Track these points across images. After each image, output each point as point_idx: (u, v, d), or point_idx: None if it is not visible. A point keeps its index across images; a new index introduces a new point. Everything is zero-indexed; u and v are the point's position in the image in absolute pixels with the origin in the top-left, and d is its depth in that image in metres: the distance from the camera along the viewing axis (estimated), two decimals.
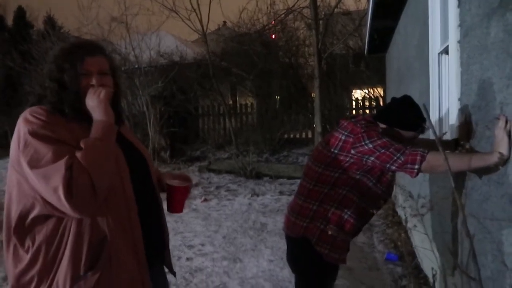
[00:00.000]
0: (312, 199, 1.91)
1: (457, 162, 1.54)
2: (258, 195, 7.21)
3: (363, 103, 10.95)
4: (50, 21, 16.46)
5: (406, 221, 4.61)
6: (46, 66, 1.38)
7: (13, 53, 10.60)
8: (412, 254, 3.94)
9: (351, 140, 1.80)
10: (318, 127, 8.23)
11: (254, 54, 11.04)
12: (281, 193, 7.34)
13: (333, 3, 9.85)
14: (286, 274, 3.62)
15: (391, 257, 3.90)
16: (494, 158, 1.44)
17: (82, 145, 1.22)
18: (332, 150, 1.86)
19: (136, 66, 9.79)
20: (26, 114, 1.28)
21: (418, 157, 1.62)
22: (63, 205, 1.14)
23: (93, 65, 1.35)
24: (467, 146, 1.70)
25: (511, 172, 1.45)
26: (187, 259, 4.12)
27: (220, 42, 12.60)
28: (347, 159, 1.82)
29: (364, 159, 1.77)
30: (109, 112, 1.32)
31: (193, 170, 9.58)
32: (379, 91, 11.50)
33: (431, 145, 2.04)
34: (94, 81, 1.34)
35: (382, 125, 1.95)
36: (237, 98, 14.88)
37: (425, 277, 3.35)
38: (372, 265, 3.78)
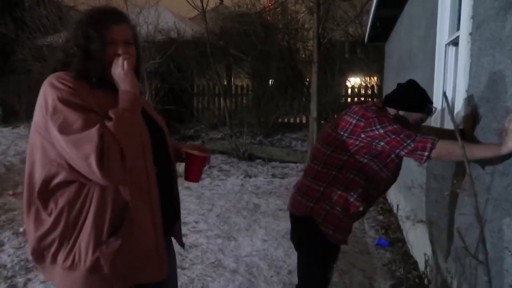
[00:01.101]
0: (320, 180, 1.95)
1: (469, 151, 1.58)
2: (250, 177, 7.27)
3: (359, 91, 10.99)
4: None
5: (398, 209, 4.71)
6: (71, 32, 1.35)
7: (6, 19, 10.31)
8: (402, 241, 4.05)
9: (362, 124, 1.83)
10: (313, 112, 8.24)
11: (253, 35, 10.93)
12: (273, 175, 7.41)
13: None
14: (280, 254, 3.69)
15: (382, 242, 4.00)
16: (505, 149, 1.48)
17: (112, 115, 1.22)
18: (342, 133, 1.89)
19: None
20: (52, 79, 1.26)
21: (429, 144, 1.66)
22: (94, 172, 1.15)
23: (119, 33, 1.34)
24: (482, 145, 1.73)
25: None
26: (182, 235, 4.16)
27: (219, 21, 12.43)
28: (357, 142, 1.85)
29: (374, 143, 1.80)
30: (135, 83, 1.32)
31: None
32: (375, 79, 11.55)
33: (438, 133, 2.09)
34: (120, 51, 1.33)
35: (391, 110, 1.99)
36: (232, 79, 14.79)
37: (415, 262, 3.45)
38: (363, 250, 3.88)
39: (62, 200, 1.25)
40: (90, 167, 1.15)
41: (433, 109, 2.02)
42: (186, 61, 10.92)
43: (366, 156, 1.88)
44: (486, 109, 1.89)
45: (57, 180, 1.25)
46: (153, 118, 1.53)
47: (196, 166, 1.63)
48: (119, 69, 1.30)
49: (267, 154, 8.80)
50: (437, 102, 2.97)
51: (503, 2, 1.74)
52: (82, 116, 1.18)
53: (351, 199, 1.92)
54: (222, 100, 10.89)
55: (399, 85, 2.09)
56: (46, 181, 1.25)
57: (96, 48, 1.30)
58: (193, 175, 1.64)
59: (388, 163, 1.91)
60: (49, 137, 1.22)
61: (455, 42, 2.70)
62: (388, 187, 2.08)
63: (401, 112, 1.97)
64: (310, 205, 1.95)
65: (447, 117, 2.79)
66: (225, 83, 13.37)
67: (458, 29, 2.55)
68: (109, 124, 1.19)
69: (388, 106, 2.02)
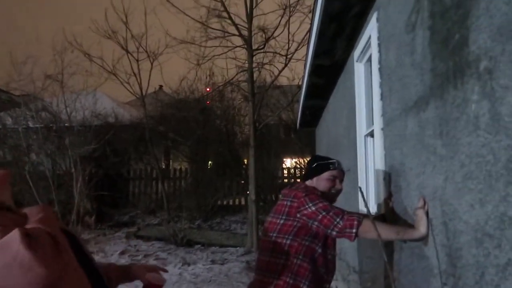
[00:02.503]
0: (270, 272, 1.98)
1: (386, 230, 1.75)
2: (189, 264, 6.97)
3: (295, 171, 11.46)
4: None
5: None
6: None
7: None
8: None
9: (295, 204, 1.97)
10: (252, 194, 8.39)
11: (192, 121, 11.27)
12: (213, 261, 7.18)
13: (268, 79, 10.64)
14: None
15: None
16: (417, 234, 1.66)
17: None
18: (280, 217, 2.00)
19: (67, 124, 9.45)
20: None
21: (355, 222, 1.81)
22: None
23: None
24: (402, 222, 1.92)
25: (430, 247, 1.68)
26: None
27: (158, 107, 12.72)
28: (295, 223, 1.96)
29: (309, 223, 1.92)
30: None
31: (120, 236, 9.05)
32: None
33: None
34: None
35: (309, 181, 2.21)
36: (170, 162, 14.75)
37: None
38: None
39: None
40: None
41: (336, 163, 2.23)
42: (123, 145, 10.83)
43: (306, 238, 1.97)
44: (401, 196, 2.12)
45: None
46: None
47: None
48: None
49: (206, 239, 8.59)
50: (362, 185, 3.23)
51: (403, 105, 2.06)
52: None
53: (304, 287, 1.95)
54: (160, 184, 10.72)
55: (307, 162, 2.36)
56: None
57: None
58: None
59: (328, 242, 2.02)
60: None
61: (372, 134, 3.05)
62: (335, 267, 2.15)
63: (314, 179, 2.19)
64: None
65: (370, 202, 3.03)
66: (163, 166, 13.28)
67: (373, 123, 2.91)
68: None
69: (305, 181, 2.24)
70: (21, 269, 1.11)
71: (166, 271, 1.64)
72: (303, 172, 2.38)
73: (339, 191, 2.21)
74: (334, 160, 2.24)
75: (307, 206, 1.93)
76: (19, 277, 1.13)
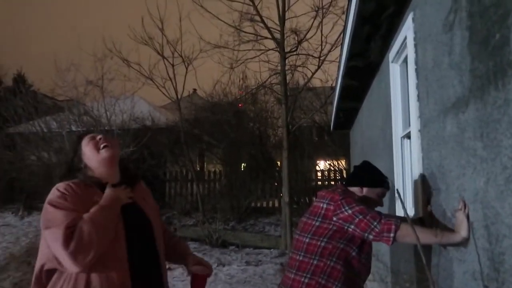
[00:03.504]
0: (302, 271, 1.99)
1: (426, 235, 1.73)
2: (224, 265, 7.07)
3: (328, 174, 11.35)
4: (21, 79, 16.42)
5: None
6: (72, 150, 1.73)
7: None
8: None
9: (331, 207, 1.96)
10: (285, 197, 8.39)
11: (226, 124, 11.42)
12: (247, 263, 7.24)
13: (301, 81, 10.62)
14: None
15: None
16: (457, 237, 1.63)
17: (91, 209, 1.48)
18: (316, 218, 2.01)
19: (107, 128, 9.83)
20: (53, 188, 1.56)
21: (393, 226, 1.80)
22: (61, 254, 1.36)
23: (87, 138, 1.74)
24: (439, 230, 1.89)
25: (471, 251, 1.64)
26: None
27: (193, 110, 12.97)
28: (330, 226, 1.96)
29: (346, 226, 1.92)
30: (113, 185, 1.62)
31: None
32: (343, 163, 12.03)
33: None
34: (91, 144, 1.74)
35: (354, 188, 2.17)
36: (205, 165, 14.99)
37: None
38: None
39: None
40: (57, 251, 1.37)
41: (390, 184, 2.25)
42: (160, 148, 11.13)
43: (341, 241, 1.97)
44: (440, 199, 2.08)
45: (46, 267, 1.44)
46: (143, 211, 1.68)
47: (200, 283, 1.79)
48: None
49: (241, 240, 8.67)
50: (398, 188, 3.18)
51: (441, 106, 2.03)
52: (62, 213, 1.43)
53: None
54: (195, 186, 10.93)
55: (356, 167, 2.34)
56: (40, 269, 1.46)
57: (78, 156, 1.68)
58: None
59: (362, 247, 2.01)
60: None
61: (408, 136, 3.00)
62: (369, 272, 2.14)
63: (365, 189, 2.15)
64: None
65: (407, 205, 2.98)
66: (198, 168, 13.53)
67: (409, 125, 2.86)
68: (85, 215, 1.44)
69: (351, 185, 2.20)
70: (59, 254, 1.40)
71: (210, 266, 1.87)
72: (349, 176, 2.31)
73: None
74: (388, 180, 2.24)
75: (343, 209, 1.93)
76: (59, 256, 1.43)
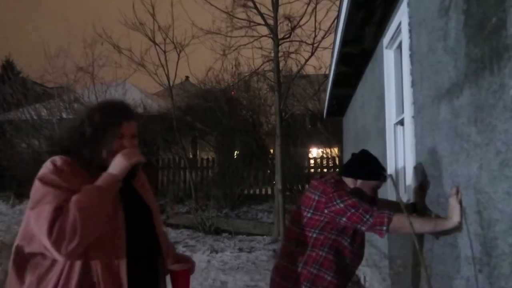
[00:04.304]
0: (296, 260, 2.00)
1: (420, 225, 1.74)
2: (217, 252, 7.10)
3: (321, 162, 11.39)
4: (9, 65, 16.13)
5: (365, 280, 4.74)
6: (81, 122, 1.47)
7: None
8: None
9: (323, 200, 1.96)
10: (278, 184, 8.41)
11: (219, 111, 11.36)
12: (240, 249, 7.28)
13: (294, 68, 10.56)
14: None
15: None
16: (450, 224, 1.64)
17: (83, 189, 1.33)
18: (308, 210, 2.00)
19: None
20: (47, 161, 1.39)
21: (386, 219, 1.80)
22: (45, 242, 1.23)
23: (127, 128, 1.49)
24: (432, 215, 1.89)
25: (464, 236, 1.65)
26: None
27: (185, 97, 12.87)
28: (322, 218, 1.96)
29: (337, 218, 1.92)
30: (124, 172, 1.42)
31: None
32: (336, 151, 12.08)
33: (393, 206, 2.24)
34: (126, 143, 1.48)
35: (349, 179, 2.11)
36: (198, 152, 14.95)
37: None
38: None
39: (34, 274, 1.31)
40: (41, 235, 1.24)
41: (387, 176, 2.17)
42: (152, 135, 11.05)
43: (333, 232, 1.97)
44: (433, 185, 2.09)
45: (27, 249, 1.32)
46: (143, 199, 1.60)
47: (182, 280, 1.62)
48: (124, 159, 1.42)
49: (234, 227, 8.71)
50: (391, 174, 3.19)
51: (436, 92, 2.02)
52: (52, 192, 1.29)
53: (328, 278, 1.96)
54: (187, 173, 10.91)
55: (353, 155, 2.25)
56: (19, 249, 1.34)
57: (105, 140, 1.44)
58: None
59: (355, 237, 2.02)
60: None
61: (402, 122, 3.00)
62: (361, 259, 2.15)
63: (359, 181, 2.09)
64: (290, 286, 1.99)
65: (400, 191, 2.99)
66: (191, 156, 13.48)
67: (403, 111, 2.86)
68: (74, 197, 1.29)
69: (345, 176, 2.14)
70: (42, 238, 1.25)
71: (190, 260, 1.73)
72: (345, 165, 2.24)
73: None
74: (385, 173, 2.14)
75: (335, 203, 1.92)
76: (41, 240, 1.27)
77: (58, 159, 1.39)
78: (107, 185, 1.37)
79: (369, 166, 2.13)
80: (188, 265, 1.67)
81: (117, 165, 1.42)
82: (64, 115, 9.55)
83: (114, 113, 1.49)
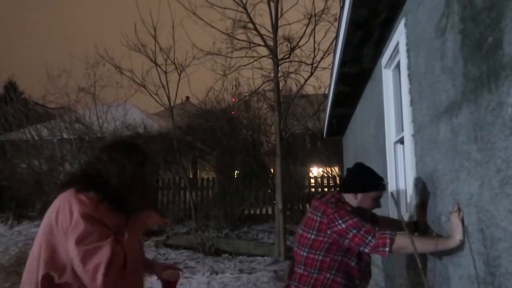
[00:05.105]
0: (303, 284, 1.98)
1: (423, 245, 1.72)
2: (217, 273, 6.99)
3: (322, 181, 11.35)
4: (11, 86, 16.27)
5: None
6: (126, 164, 1.54)
7: None
8: None
9: (325, 221, 1.94)
10: (279, 204, 8.36)
11: (219, 131, 11.40)
12: (241, 271, 7.17)
13: (294, 88, 10.65)
14: None
15: None
16: (453, 243, 1.62)
17: (127, 234, 1.44)
18: (311, 231, 1.99)
19: (99, 135, 9.76)
20: (80, 195, 1.43)
21: (388, 240, 1.78)
22: (96, 279, 1.29)
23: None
24: (434, 234, 1.88)
25: (467, 255, 1.63)
26: None
27: (186, 117, 12.94)
28: (326, 239, 1.95)
29: (341, 240, 1.90)
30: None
31: (149, 245, 9.19)
32: (336, 170, 12.05)
33: (394, 224, 2.22)
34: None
35: (348, 195, 2.10)
36: (198, 172, 14.92)
37: None
38: None
39: None
40: (95, 275, 1.29)
41: (386, 184, 2.16)
42: (152, 155, 11.05)
43: (338, 253, 1.95)
44: (434, 203, 2.08)
45: (58, 280, 1.36)
46: None
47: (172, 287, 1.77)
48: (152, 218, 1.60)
49: (234, 248, 8.60)
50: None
51: (435, 110, 2.03)
52: (99, 230, 1.36)
53: None
54: (188, 193, 10.85)
55: (348, 170, 2.24)
56: (49, 278, 1.36)
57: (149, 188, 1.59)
58: None
59: (361, 255, 1.99)
60: (64, 242, 1.37)
61: (401, 141, 3.00)
62: (369, 277, 2.13)
63: (359, 195, 2.07)
64: None
65: (401, 209, 2.97)
66: (191, 176, 13.45)
67: (402, 130, 2.87)
68: (123, 240, 1.39)
69: (345, 192, 2.12)
70: (93, 277, 1.33)
71: (180, 269, 1.84)
72: (343, 181, 2.22)
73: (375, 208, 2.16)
74: (383, 182, 2.14)
75: (337, 223, 1.90)
76: (88, 278, 1.36)
77: (90, 196, 1.43)
78: (140, 231, 1.54)
79: (365, 178, 2.12)
80: (178, 274, 1.80)
81: (150, 216, 1.59)
82: (65, 136, 9.58)
83: (154, 162, 1.61)
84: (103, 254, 1.30)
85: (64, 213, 1.39)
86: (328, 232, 1.92)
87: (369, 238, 1.82)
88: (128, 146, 1.62)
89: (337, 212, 1.94)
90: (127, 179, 1.49)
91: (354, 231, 1.85)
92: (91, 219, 1.36)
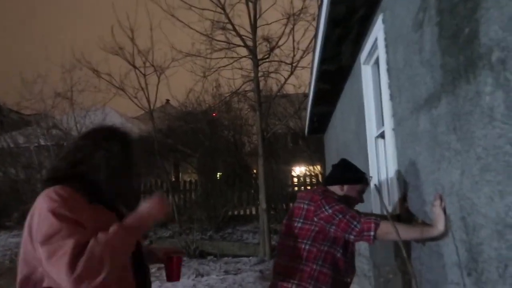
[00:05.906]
0: (290, 277, 1.96)
1: (407, 232, 1.74)
2: (202, 276, 6.94)
3: (304, 179, 11.42)
4: None
5: None
6: (109, 155, 1.42)
7: None
8: None
9: (312, 208, 1.95)
10: (262, 203, 8.37)
11: (200, 132, 11.33)
12: (226, 272, 7.14)
13: (274, 87, 10.69)
14: None
15: None
16: (436, 231, 1.65)
17: (112, 228, 1.29)
18: (298, 220, 1.99)
19: None
20: (50, 192, 1.30)
21: (373, 225, 1.80)
22: (63, 277, 1.17)
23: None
24: (420, 221, 1.90)
25: (450, 243, 1.66)
26: None
27: (166, 120, 12.82)
28: (312, 227, 1.95)
29: (327, 227, 1.91)
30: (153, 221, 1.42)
31: None
32: (318, 168, 12.15)
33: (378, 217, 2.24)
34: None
35: (335, 187, 2.13)
36: (180, 175, 14.78)
37: None
38: None
39: None
40: (59, 273, 1.17)
41: (370, 178, 2.23)
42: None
43: (325, 243, 1.95)
44: (416, 194, 2.11)
45: (44, 284, 1.26)
46: None
47: (175, 267, 1.78)
48: (157, 207, 1.41)
49: (219, 250, 8.56)
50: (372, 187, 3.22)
51: (414, 104, 2.07)
52: (67, 227, 1.22)
53: None
54: (170, 197, 10.74)
55: (334, 166, 2.30)
56: (25, 278, 1.28)
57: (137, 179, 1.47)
58: (174, 275, 1.77)
59: (346, 246, 2.00)
60: (35, 244, 1.26)
61: (382, 135, 3.04)
62: (355, 269, 2.13)
63: (345, 187, 2.12)
64: None
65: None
66: (173, 179, 13.32)
67: (383, 124, 2.91)
68: (102, 235, 1.24)
69: (331, 185, 2.16)
70: (58, 276, 1.21)
71: (181, 251, 1.82)
72: (328, 175, 2.27)
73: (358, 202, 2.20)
74: (367, 176, 2.21)
75: (323, 209, 1.91)
76: (55, 277, 1.24)
77: (61, 189, 1.31)
78: (139, 223, 1.38)
79: (351, 171, 2.19)
80: (180, 253, 1.81)
81: (153, 208, 1.41)
82: (42, 142, 9.34)
83: (139, 152, 1.54)
84: (67, 246, 1.18)
85: (33, 214, 1.30)
86: (315, 219, 1.93)
87: (355, 223, 1.83)
88: (113, 130, 1.52)
89: (324, 198, 1.96)
90: (116, 166, 1.39)
91: (340, 216, 1.86)
92: (58, 216, 1.23)
